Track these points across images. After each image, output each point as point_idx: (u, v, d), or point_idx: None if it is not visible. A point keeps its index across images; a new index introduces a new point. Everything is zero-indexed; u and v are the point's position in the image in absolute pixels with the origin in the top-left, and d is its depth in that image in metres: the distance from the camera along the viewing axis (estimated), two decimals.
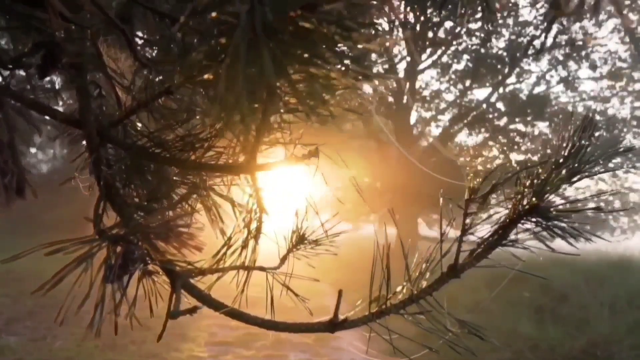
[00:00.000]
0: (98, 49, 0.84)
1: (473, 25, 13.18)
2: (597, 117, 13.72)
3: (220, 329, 6.09)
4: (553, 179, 0.68)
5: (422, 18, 13.23)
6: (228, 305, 0.66)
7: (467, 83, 14.04)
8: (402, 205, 11.97)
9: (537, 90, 13.94)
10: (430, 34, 13.55)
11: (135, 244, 0.59)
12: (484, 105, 14.05)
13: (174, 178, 0.78)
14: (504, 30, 13.41)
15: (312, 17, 0.40)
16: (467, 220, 0.70)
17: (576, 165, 0.71)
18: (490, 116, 14.23)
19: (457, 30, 13.31)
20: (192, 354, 5.30)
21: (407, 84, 14.21)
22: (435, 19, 13.26)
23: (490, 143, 14.96)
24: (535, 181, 0.69)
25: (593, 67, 13.58)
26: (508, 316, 5.98)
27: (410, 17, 13.76)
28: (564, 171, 0.69)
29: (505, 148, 14.55)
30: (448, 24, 13.43)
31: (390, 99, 14.44)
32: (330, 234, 0.92)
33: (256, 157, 0.71)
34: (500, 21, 12.99)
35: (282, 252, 0.88)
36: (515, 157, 14.38)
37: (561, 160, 0.71)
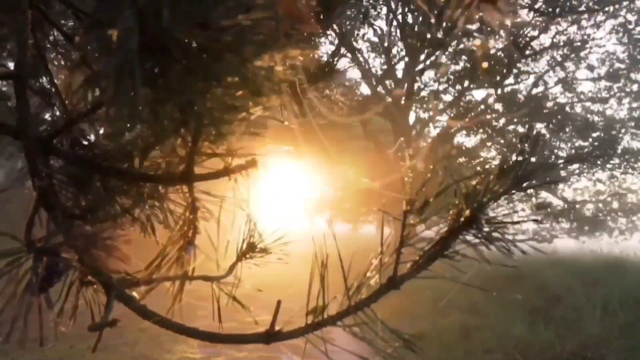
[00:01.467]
0: (44, 57, 0.83)
1: (471, 26, 13.15)
2: (595, 118, 13.71)
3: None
4: (489, 192, 0.68)
5: (420, 18, 13.23)
6: (160, 315, 0.66)
7: (465, 83, 14.03)
8: (400, 205, 11.95)
9: (535, 91, 13.94)
10: (428, 35, 13.53)
11: (60, 256, 0.59)
12: (482, 106, 14.05)
13: (123, 188, 0.78)
14: (501, 31, 13.40)
15: (204, 35, 0.40)
16: (405, 232, 0.69)
17: (514, 177, 0.70)
18: (488, 117, 14.22)
19: (454, 31, 13.30)
20: (184, 355, 5.30)
21: (405, 85, 14.21)
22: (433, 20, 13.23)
23: (489, 144, 14.97)
24: (472, 193, 0.68)
25: (591, 68, 13.58)
26: (502, 317, 5.97)
27: (409, 18, 13.78)
28: (498, 184, 0.69)
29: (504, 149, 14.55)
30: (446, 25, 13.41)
31: (389, 99, 14.44)
32: (280, 242, 0.92)
33: (192, 168, 0.71)
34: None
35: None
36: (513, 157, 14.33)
37: (499, 173, 0.71)
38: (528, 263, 9.93)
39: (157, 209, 0.72)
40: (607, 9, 12.75)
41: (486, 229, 0.69)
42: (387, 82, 14.61)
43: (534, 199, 14.64)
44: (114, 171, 0.72)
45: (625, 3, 12.57)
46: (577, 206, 14.63)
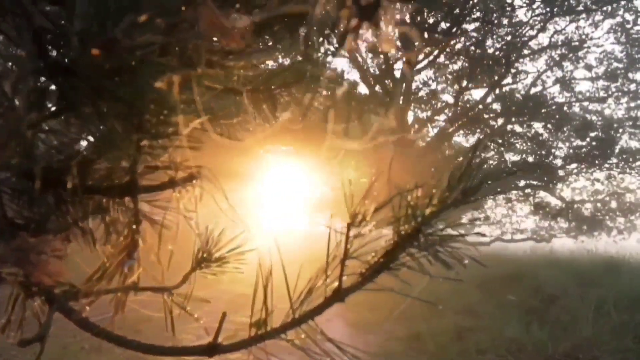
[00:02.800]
0: None
1: (468, 26, 13.17)
2: (593, 118, 13.69)
3: (210, 331, 6.08)
4: (434, 204, 0.67)
5: (418, 19, 13.22)
6: (101, 328, 0.66)
7: (464, 83, 14.02)
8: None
9: (533, 90, 13.92)
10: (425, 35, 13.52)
11: None
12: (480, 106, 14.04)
13: (70, 200, 0.77)
14: (500, 31, 13.38)
15: (114, 55, 0.40)
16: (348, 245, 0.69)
17: (462, 189, 0.70)
18: (486, 116, 14.21)
19: (453, 31, 13.29)
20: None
21: (404, 85, 14.20)
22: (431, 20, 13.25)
23: (487, 143, 14.94)
24: (416, 206, 0.68)
25: (589, 67, 13.56)
26: (497, 318, 5.97)
27: (407, 19, 13.74)
28: (446, 196, 0.69)
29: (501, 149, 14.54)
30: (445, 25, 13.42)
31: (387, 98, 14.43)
32: (237, 252, 0.91)
33: (136, 180, 0.71)
34: (495, 21, 12.97)
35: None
36: (511, 157, 14.37)
37: (447, 185, 0.70)
38: (525, 263, 9.95)
39: (101, 221, 0.72)
40: (605, 8, 12.73)
41: (430, 242, 0.68)
42: (386, 82, 14.60)
43: (531, 199, 14.65)
44: (58, 183, 0.71)
45: (623, 2, 12.55)
46: (576, 206, 14.62)
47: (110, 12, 0.45)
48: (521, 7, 13.27)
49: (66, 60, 0.39)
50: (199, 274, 0.90)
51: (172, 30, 0.54)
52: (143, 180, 0.74)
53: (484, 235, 0.69)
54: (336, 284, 0.71)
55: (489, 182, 0.72)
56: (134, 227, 0.70)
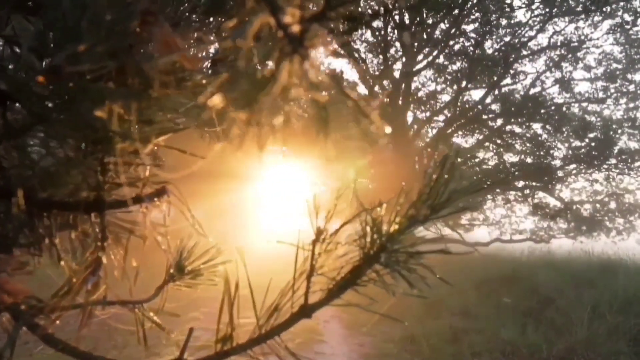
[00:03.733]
0: None
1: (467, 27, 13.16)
2: (592, 119, 13.68)
3: (204, 332, 6.08)
4: (399, 221, 0.67)
5: (417, 19, 13.22)
6: (65, 343, 0.66)
7: (463, 84, 14.01)
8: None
9: (532, 91, 13.91)
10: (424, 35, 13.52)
11: None
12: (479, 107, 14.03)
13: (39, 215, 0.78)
14: (499, 31, 13.37)
15: (58, 81, 0.40)
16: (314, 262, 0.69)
17: (429, 205, 0.70)
18: (485, 117, 14.21)
19: (452, 31, 13.29)
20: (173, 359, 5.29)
21: (403, 85, 14.20)
22: (430, 20, 13.24)
23: (486, 144, 14.95)
24: (380, 223, 0.68)
25: (588, 68, 13.56)
26: (493, 320, 5.97)
27: (406, 19, 13.76)
28: (413, 211, 0.69)
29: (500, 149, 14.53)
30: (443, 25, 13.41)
31: (386, 99, 14.42)
32: (210, 264, 0.92)
33: (102, 196, 0.71)
34: (494, 22, 12.96)
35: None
36: (509, 158, 14.37)
37: (416, 201, 0.70)
38: (523, 264, 9.95)
39: (66, 238, 0.72)
40: (604, 9, 12.72)
41: (394, 259, 0.68)
42: (385, 82, 14.60)
43: (530, 200, 14.64)
44: (27, 199, 0.71)
45: (622, 3, 12.54)
46: (575, 206, 14.61)
47: (58, 39, 0.45)
48: (520, 7, 13.28)
49: (6, 87, 0.39)
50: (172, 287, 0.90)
51: (127, 52, 0.54)
52: (112, 196, 0.74)
53: (448, 252, 0.69)
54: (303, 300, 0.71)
55: (458, 197, 0.72)
56: (99, 243, 0.70)
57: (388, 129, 0.38)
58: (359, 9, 0.33)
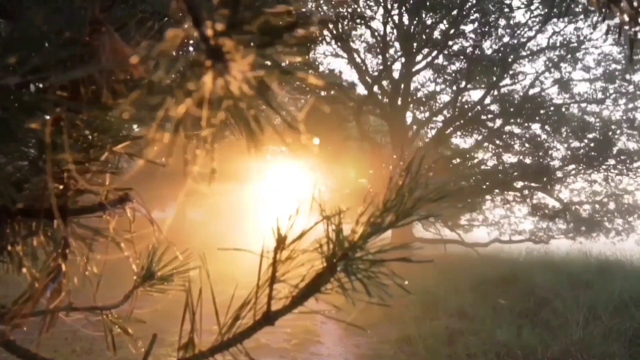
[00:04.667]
0: None
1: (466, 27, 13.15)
2: (591, 119, 13.67)
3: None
4: (360, 230, 0.67)
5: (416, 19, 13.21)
6: (27, 350, 0.66)
7: (462, 84, 14.00)
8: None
9: (531, 92, 13.90)
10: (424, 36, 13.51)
11: None
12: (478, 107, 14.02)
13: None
14: (498, 32, 13.36)
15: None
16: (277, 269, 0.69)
17: (395, 213, 0.69)
18: (484, 117, 14.20)
19: (451, 32, 13.27)
20: (168, 359, 5.30)
21: (402, 85, 14.19)
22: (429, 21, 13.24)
23: (485, 144, 14.94)
24: (341, 232, 0.67)
25: (587, 69, 13.55)
26: (489, 321, 5.96)
27: (405, 19, 13.76)
28: (378, 219, 0.68)
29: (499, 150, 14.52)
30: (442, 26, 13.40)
31: (385, 100, 14.43)
32: (180, 270, 0.91)
33: (66, 203, 0.71)
34: (493, 23, 12.95)
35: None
36: (508, 159, 14.36)
37: (382, 208, 0.70)
38: (520, 265, 9.94)
39: (28, 244, 0.72)
40: (604, 9, 12.68)
41: (356, 267, 0.68)
42: (384, 82, 14.60)
43: (529, 200, 14.63)
44: None
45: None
46: (574, 207, 14.60)
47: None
48: (519, 8, 13.27)
49: None
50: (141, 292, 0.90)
51: (76, 61, 0.54)
52: (76, 203, 0.73)
53: (410, 260, 0.69)
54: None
55: (423, 204, 0.71)
56: (60, 250, 0.69)
57: (317, 140, 0.37)
58: (278, 21, 0.33)
